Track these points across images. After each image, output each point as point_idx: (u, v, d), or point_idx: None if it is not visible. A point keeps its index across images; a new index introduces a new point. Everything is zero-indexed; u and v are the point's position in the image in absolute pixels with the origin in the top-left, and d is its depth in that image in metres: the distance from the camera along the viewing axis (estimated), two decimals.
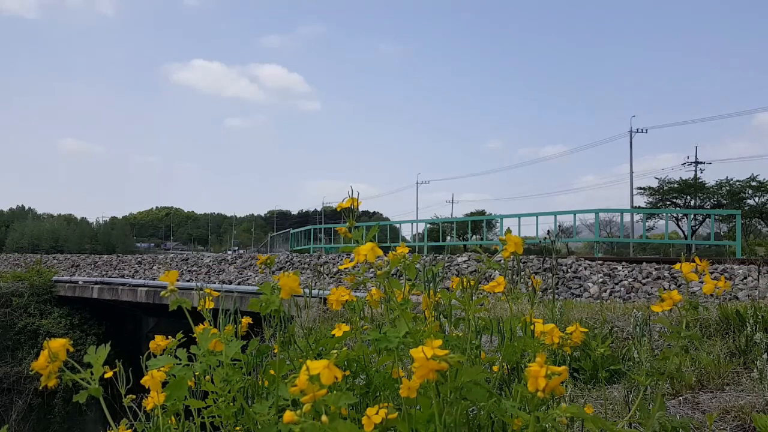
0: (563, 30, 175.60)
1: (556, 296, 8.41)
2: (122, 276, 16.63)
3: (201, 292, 1.63)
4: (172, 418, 1.56)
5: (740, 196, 36.75)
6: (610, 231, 42.00)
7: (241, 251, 53.89)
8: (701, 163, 40.70)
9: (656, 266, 9.46)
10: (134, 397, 1.79)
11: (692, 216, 34.47)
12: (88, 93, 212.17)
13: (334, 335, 1.57)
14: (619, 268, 9.61)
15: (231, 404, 1.40)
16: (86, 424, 14.72)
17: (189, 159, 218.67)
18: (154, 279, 14.74)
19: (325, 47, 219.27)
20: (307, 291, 1.85)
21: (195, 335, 1.41)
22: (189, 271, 15.54)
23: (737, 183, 36.72)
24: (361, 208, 1.45)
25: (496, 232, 30.23)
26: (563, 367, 1.04)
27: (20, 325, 15.36)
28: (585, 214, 22.33)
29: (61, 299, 16.50)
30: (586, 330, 1.46)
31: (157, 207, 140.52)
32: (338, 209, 1.44)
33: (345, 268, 1.70)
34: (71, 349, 1.21)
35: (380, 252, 1.28)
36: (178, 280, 1.50)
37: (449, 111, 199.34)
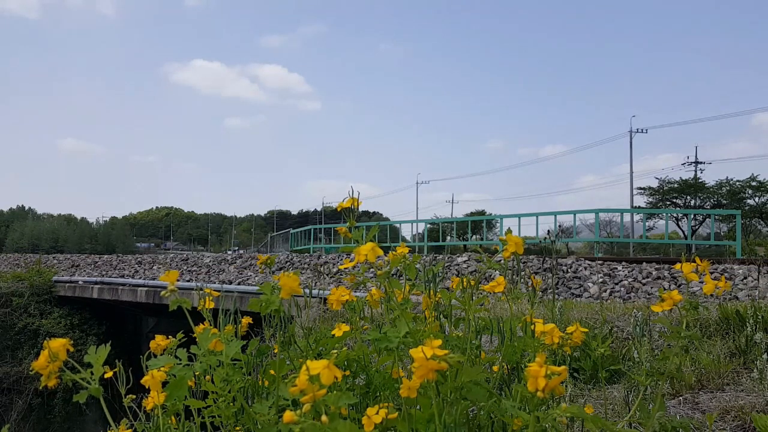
0: (563, 30, 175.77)
1: (556, 296, 8.41)
2: (122, 276, 16.62)
3: (201, 292, 1.63)
4: (172, 418, 1.56)
5: (740, 196, 36.76)
6: (610, 231, 42.01)
7: (241, 251, 53.88)
8: (701, 163, 40.75)
9: (656, 266, 9.45)
10: (134, 397, 1.79)
11: (692, 216, 34.49)
12: (88, 93, 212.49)
13: (334, 335, 1.57)
14: (619, 268, 9.61)
15: (231, 404, 1.40)
16: (86, 424, 14.71)
17: (189, 159, 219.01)
18: (154, 279, 14.73)
19: (326, 47, 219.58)
20: (307, 291, 1.85)
21: (195, 335, 1.41)
22: (189, 271, 15.53)
23: (737, 183, 36.74)
24: (361, 208, 1.45)
25: (496, 232, 30.24)
26: (563, 367, 1.04)
27: (20, 325, 15.36)
28: (585, 214, 22.35)
29: (61, 299, 16.49)
30: (586, 330, 1.46)
31: (157, 207, 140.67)
32: (338, 209, 1.44)
33: (345, 268, 1.70)
34: (71, 349, 1.22)
35: (380, 252, 1.28)
36: (178, 280, 1.50)
37: (449, 111, 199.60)
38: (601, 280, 9.17)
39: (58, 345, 1.18)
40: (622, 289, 8.73)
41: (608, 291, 8.72)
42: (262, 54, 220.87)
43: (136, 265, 18.06)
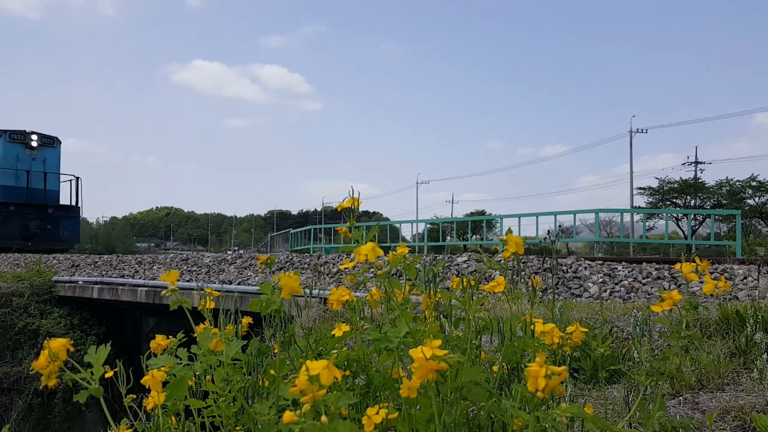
0: (564, 30, 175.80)
1: (556, 296, 8.41)
2: (122, 276, 16.61)
3: (201, 292, 1.63)
4: (173, 417, 1.56)
5: (740, 196, 36.77)
6: (610, 231, 42.03)
7: (241, 251, 53.82)
8: (701, 163, 40.77)
9: (656, 266, 9.45)
10: (134, 396, 1.79)
11: (692, 216, 34.49)
12: (88, 93, 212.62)
13: (334, 335, 1.57)
14: (619, 268, 9.61)
15: (231, 404, 1.40)
16: (86, 424, 14.71)
17: (189, 159, 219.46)
18: (154, 279, 14.72)
19: (326, 47, 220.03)
20: (307, 291, 1.85)
21: (195, 335, 1.41)
22: (189, 271, 15.52)
23: (737, 183, 36.74)
24: (361, 208, 1.45)
25: (496, 232, 30.25)
26: (563, 367, 1.04)
27: (20, 325, 15.35)
28: (585, 214, 22.35)
29: (61, 299, 16.48)
30: (586, 330, 1.46)
31: (157, 207, 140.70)
32: (339, 209, 1.44)
33: (345, 268, 1.70)
34: (71, 349, 1.22)
35: (381, 252, 1.28)
36: (178, 280, 1.50)
37: (449, 111, 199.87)
38: (601, 280, 9.17)
39: (59, 345, 1.18)
40: (622, 289, 8.73)
41: (608, 291, 8.72)
42: (262, 54, 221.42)
43: (136, 265, 18.05)
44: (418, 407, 1.26)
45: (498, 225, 27.17)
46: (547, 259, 10.05)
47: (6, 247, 19.54)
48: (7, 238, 19.74)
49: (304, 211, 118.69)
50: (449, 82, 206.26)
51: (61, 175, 21.02)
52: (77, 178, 20.89)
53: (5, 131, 19.68)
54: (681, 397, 2.91)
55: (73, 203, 20.96)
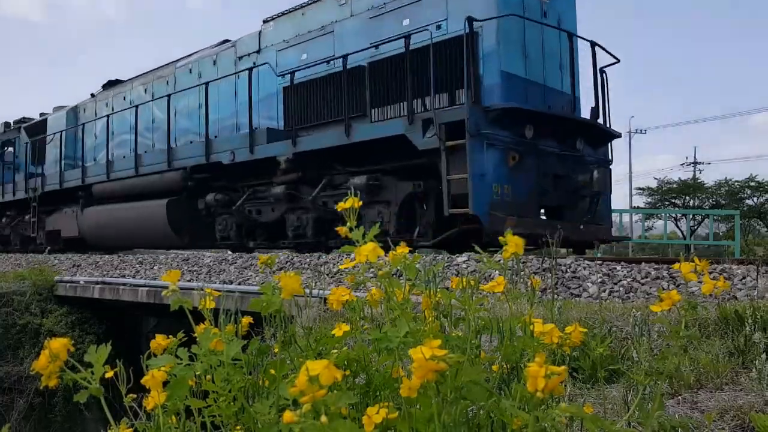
0: None
1: (556, 296, 8.40)
2: (123, 276, 16.60)
3: (202, 292, 1.63)
4: (173, 417, 1.56)
5: (739, 197, 36.77)
6: None
7: None
8: (700, 163, 40.82)
9: (655, 266, 9.43)
10: (135, 396, 1.79)
11: (691, 216, 34.49)
12: (88, 93, 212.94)
13: (334, 335, 1.57)
14: (618, 268, 9.59)
15: (231, 404, 1.40)
16: (87, 423, 14.71)
17: None
18: (155, 279, 14.71)
19: None
20: (307, 291, 1.86)
21: (196, 335, 1.42)
22: (189, 271, 15.49)
23: (736, 183, 36.74)
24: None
25: None
26: (563, 367, 1.04)
27: (21, 324, 15.36)
28: None
29: (62, 299, 16.47)
30: (585, 330, 1.47)
31: None
32: (339, 209, 1.44)
33: (345, 268, 1.71)
34: (72, 349, 1.22)
35: (381, 252, 1.29)
36: (178, 280, 1.51)
37: None
38: (600, 280, 9.17)
39: (59, 345, 1.18)
40: (621, 289, 8.72)
41: (607, 291, 8.71)
42: None
43: (137, 265, 18.02)
44: (418, 407, 1.26)
45: None
46: (546, 259, 10.04)
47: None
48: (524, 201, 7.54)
49: None
50: None
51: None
52: (602, 70, 8.52)
53: None
54: (680, 397, 2.91)
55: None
